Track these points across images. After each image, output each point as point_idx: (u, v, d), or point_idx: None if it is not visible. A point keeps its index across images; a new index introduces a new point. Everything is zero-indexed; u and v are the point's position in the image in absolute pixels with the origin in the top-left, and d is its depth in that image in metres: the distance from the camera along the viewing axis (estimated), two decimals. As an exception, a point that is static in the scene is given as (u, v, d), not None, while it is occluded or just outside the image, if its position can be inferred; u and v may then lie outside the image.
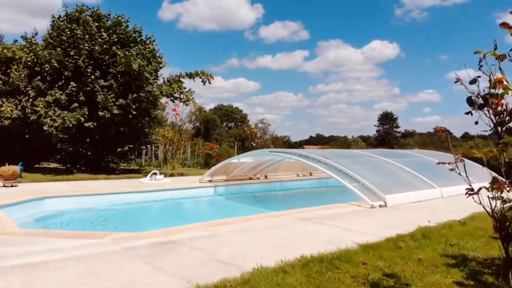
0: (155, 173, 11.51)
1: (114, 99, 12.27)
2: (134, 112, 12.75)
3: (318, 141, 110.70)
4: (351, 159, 9.12)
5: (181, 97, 12.48)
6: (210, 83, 12.82)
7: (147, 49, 13.22)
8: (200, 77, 12.84)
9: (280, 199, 11.07)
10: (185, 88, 12.63)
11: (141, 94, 12.64)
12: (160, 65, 13.80)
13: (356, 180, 7.81)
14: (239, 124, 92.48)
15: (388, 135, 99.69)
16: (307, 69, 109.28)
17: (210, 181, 11.33)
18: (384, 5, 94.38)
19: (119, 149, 13.05)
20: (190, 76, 12.80)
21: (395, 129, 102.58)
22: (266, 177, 12.65)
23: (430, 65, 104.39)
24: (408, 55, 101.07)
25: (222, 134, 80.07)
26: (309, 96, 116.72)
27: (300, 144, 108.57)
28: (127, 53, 12.20)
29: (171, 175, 13.73)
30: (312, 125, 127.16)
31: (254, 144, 17.84)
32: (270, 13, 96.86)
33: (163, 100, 14.90)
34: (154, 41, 14.31)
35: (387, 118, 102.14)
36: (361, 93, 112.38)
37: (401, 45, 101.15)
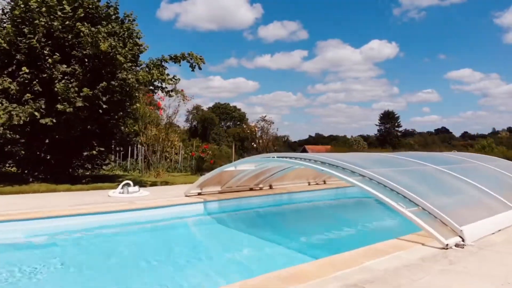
0: (128, 184, 8.87)
1: (77, 89, 9.62)
2: (104, 106, 10.09)
3: (318, 140, 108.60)
4: (393, 168, 6.48)
5: (163, 86, 9.79)
6: (200, 68, 10.20)
7: (123, 28, 10.55)
8: (188, 61, 10.19)
9: (292, 220, 8.40)
10: (168, 74, 9.96)
11: (113, 82, 9.98)
12: (140, 48, 11.11)
13: (413, 202, 5.18)
14: (238, 123, 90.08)
15: (389, 134, 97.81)
16: (306, 69, 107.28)
17: (199, 194, 8.69)
18: (382, 5, 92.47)
19: (85, 153, 10.37)
20: (175, 59, 10.12)
21: (396, 128, 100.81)
22: (271, 187, 10.03)
23: (429, 65, 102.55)
24: (407, 54, 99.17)
25: (220, 134, 77.44)
26: (308, 96, 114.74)
27: (299, 144, 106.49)
28: (93, 29, 9.53)
29: (153, 184, 11.09)
30: (310, 124, 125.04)
31: (254, 146, 15.21)
32: (269, 13, 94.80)
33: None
34: (134, 20, 11.63)
35: (388, 117, 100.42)
36: (360, 93, 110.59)
37: (400, 44, 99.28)
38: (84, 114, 9.97)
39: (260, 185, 9.84)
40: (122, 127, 10.69)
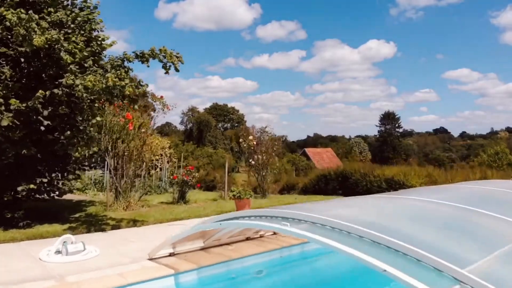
0: (69, 240, 6.10)
1: (3, 100, 6.85)
2: (46, 122, 7.33)
3: (316, 141, 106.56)
4: (494, 252, 3.72)
5: (124, 92, 6.83)
6: (178, 70, 7.41)
7: (71, 16, 7.78)
8: (160, 60, 7.41)
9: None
10: (131, 79, 7.05)
11: (56, 91, 7.22)
12: (102, 44, 8.32)
13: None
14: (236, 124, 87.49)
15: (390, 135, 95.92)
16: (304, 69, 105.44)
17: (171, 254, 5.95)
18: (379, 5, 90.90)
19: (20, 187, 7.57)
20: (142, 57, 7.32)
21: (397, 129, 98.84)
22: (275, 232, 7.32)
23: (426, 64, 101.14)
24: (405, 54, 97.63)
25: (217, 136, 74.70)
26: (306, 96, 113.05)
27: (298, 145, 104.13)
28: (23, 16, 6.77)
29: (117, 224, 8.30)
30: (309, 124, 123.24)
31: (253, 162, 12.54)
32: (268, 13, 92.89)
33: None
34: (96, 7, 8.84)
35: (389, 118, 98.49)
36: (358, 93, 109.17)
37: (398, 44, 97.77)
38: (17, 134, 7.20)
39: (261, 232, 7.13)
40: (71, 148, 7.83)
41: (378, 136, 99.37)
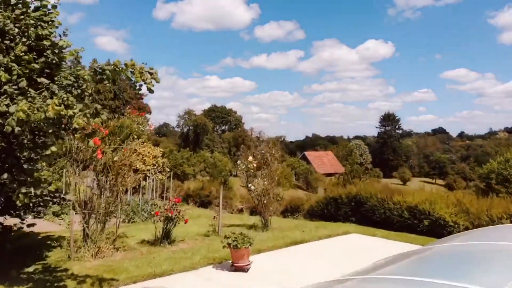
0: None
1: None
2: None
3: (315, 141, 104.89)
4: None
5: (73, 124, 4.81)
6: (151, 90, 5.47)
7: (12, 19, 5.90)
8: (129, 78, 5.44)
9: None
10: (86, 105, 5.01)
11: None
12: (61, 52, 6.42)
13: None
14: (233, 127, 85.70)
15: (390, 137, 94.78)
16: (302, 69, 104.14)
17: None
18: (377, 5, 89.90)
19: None
20: (102, 74, 5.25)
21: (397, 131, 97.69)
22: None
23: (424, 64, 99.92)
24: (403, 54, 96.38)
25: (214, 140, 72.82)
26: (304, 96, 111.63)
27: (297, 145, 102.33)
28: None
29: (80, 284, 6.41)
30: (307, 124, 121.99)
31: (252, 188, 10.70)
32: (266, 13, 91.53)
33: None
34: (55, 7, 6.95)
35: (389, 120, 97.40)
36: (356, 93, 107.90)
37: (397, 44, 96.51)
38: None
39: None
40: (15, 196, 5.92)
41: (377, 137, 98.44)
